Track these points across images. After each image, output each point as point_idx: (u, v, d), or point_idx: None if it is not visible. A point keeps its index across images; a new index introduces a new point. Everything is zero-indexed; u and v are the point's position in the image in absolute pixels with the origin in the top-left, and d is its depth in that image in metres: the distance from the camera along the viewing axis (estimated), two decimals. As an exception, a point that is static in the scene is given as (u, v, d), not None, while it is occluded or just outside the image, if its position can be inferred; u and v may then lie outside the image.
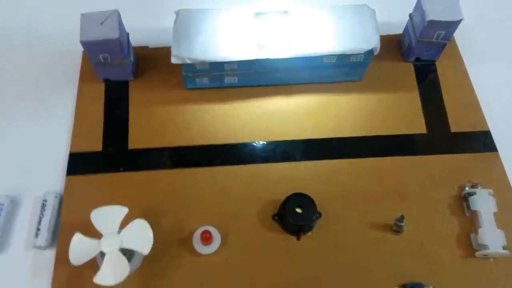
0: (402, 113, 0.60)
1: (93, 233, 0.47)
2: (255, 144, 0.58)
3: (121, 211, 0.48)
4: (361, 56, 0.58)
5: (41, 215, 0.52)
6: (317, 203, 0.52)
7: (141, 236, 0.46)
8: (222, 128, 0.59)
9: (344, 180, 0.55)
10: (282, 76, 0.60)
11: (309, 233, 0.52)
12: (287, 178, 0.55)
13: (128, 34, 0.61)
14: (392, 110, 0.60)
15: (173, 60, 0.55)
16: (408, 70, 0.64)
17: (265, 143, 0.58)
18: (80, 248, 0.46)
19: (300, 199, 0.51)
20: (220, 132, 0.59)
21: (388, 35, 0.66)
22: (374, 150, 0.57)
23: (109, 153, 0.57)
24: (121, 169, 0.56)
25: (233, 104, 0.61)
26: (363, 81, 0.62)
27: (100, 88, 0.62)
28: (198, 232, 0.50)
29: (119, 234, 0.46)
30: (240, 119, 0.60)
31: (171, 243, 0.51)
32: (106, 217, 0.47)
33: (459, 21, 0.57)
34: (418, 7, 0.59)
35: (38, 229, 0.52)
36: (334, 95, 0.61)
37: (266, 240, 0.52)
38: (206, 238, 0.49)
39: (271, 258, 0.51)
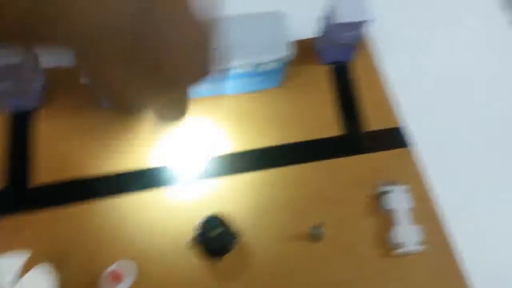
0: (318, 117, 0.61)
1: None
2: (169, 166, 0.56)
3: (21, 258, 0.45)
4: (275, 64, 0.58)
5: None
6: (237, 220, 0.51)
7: (42, 285, 0.44)
8: (135, 152, 0.57)
9: (265, 192, 0.55)
10: (198, 90, 0.59)
11: (229, 254, 0.51)
12: (205, 198, 0.54)
13: (36, 55, 0.57)
14: (309, 114, 0.61)
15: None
16: (323, 73, 0.64)
17: (179, 163, 0.57)
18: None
19: (217, 220, 0.51)
20: (133, 157, 0.56)
21: (304, 39, 0.66)
22: (292, 158, 0.57)
23: (11, 192, 0.53)
24: (23, 209, 0.52)
25: (150, 127, 0.59)
26: (279, 87, 0.62)
27: (3, 120, 0.57)
28: (107, 272, 0.48)
29: (18, 284, 0.43)
30: (156, 141, 0.58)
31: (81, 285, 0.48)
32: (4, 266, 0.44)
33: (368, 21, 0.57)
34: (327, 10, 0.59)
35: None
36: (251, 105, 0.61)
37: (186, 267, 0.50)
38: (115, 278, 0.47)
39: (192, 285, 0.50)
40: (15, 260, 0.44)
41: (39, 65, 0.58)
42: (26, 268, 0.45)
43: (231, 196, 0.55)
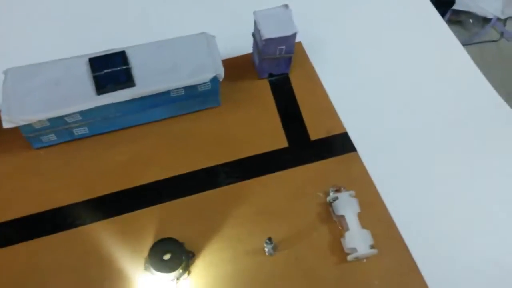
0: (263, 131, 0.60)
1: None
2: (115, 194, 0.55)
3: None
4: (208, 84, 0.57)
5: None
6: (188, 242, 0.50)
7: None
8: (77, 185, 0.55)
9: (212, 212, 0.54)
10: (135, 117, 0.58)
11: (186, 275, 0.50)
12: (154, 223, 0.53)
13: None
14: (254, 129, 0.60)
15: (5, 125, 0.51)
16: (263, 86, 0.64)
17: (125, 190, 0.55)
18: None
19: (166, 244, 0.49)
20: (75, 189, 0.55)
21: (241, 55, 0.66)
22: (239, 174, 0.57)
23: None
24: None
25: (87, 156, 0.57)
26: (222, 105, 0.62)
27: None
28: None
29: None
30: (96, 170, 0.56)
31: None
32: None
33: (294, 35, 0.58)
34: (256, 27, 0.60)
35: None
36: (193, 125, 0.60)
37: (140, 294, 0.49)
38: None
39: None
40: None
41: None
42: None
43: (181, 219, 0.53)
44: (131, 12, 0.72)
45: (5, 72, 0.54)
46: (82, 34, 0.69)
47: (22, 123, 0.52)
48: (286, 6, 0.60)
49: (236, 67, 0.62)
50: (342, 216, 0.53)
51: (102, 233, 0.52)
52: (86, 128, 0.57)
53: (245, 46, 0.66)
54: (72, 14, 0.71)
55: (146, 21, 0.71)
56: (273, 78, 0.65)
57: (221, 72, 0.56)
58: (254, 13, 0.59)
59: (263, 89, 0.64)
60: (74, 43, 0.66)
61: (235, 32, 0.65)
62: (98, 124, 0.57)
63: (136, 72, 0.55)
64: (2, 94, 0.52)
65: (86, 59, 0.55)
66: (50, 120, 0.53)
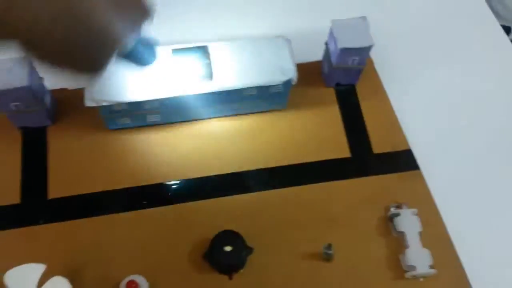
0: (326, 138, 0.61)
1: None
2: (180, 183, 0.57)
3: (38, 270, 0.45)
4: (280, 87, 0.58)
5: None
6: (247, 237, 0.51)
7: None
8: (146, 168, 0.57)
9: (274, 211, 0.55)
10: (205, 111, 0.60)
11: (241, 270, 0.51)
12: (215, 215, 0.54)
13: (42, 78, 0.59)
14: (316, 136, 0.61)
15: (88, 103, 0.54)
16: (329, 95, 0.65)
17: (190, 180, 0.57)
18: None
19: (229, 236, 0.50)
20: (144, 173, 0.57)
21: (310, 62, 0.67)
22: (300, 178, 0.57)
23: (27, 205, 0.54)
24: (41, 221, 0.53)
25: (157, 143, 0.59)
26: (286, 109, 0.63)
27: (17, 136, 0.59)
28: (123, 284, 0.48)
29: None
30: (164, 157, 0.58)
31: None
32: (21, 278, 0.44)
33: (370, 47, 0.59)
34: (331, 35, 0.61)
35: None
36: (258, 125, 0.61)
37: (197, 283, 0.50)
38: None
39: (202, 302, 0.49)
40: (33, 271, 0.44)
41: (45, 87, 0.59)
42: (42, 280, 0.44)
43: (243, 214, 0.54)
44: (212, 10, 0.74)
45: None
46: (165, 26, 0.70)
47: (103, 103, 0.54)
48: (364, 18, 0.61)
49: (304, 73, 0.62)
50: (403, 233, 0.53)
51: (165, 218, 0.54)
52: (159, 116, 0.59)
53: (314, 53, 0.67)
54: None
55: (224, 20, 0.73)
56: (340, 88, 0.65)
57: (294, 76, 0.57)
58: (332, 21, 0.60)
59: (328, 98, 0.65)
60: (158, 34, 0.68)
61: (306, 39, 0.66)
62: (171, 113, 0.59)
63: (215, 68, 0.56)
64: (87, 74, 0.55)
65: (170, 50, 0.57)
66: (129, 104, 0.55)
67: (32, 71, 0.55)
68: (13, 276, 0.44)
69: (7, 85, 0.53)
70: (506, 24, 1.44)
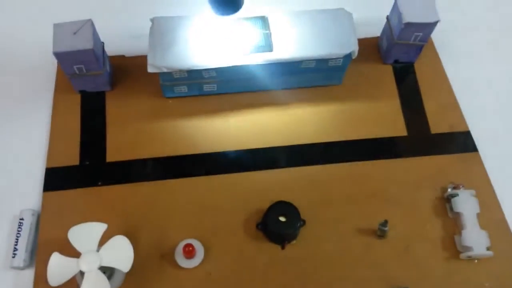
0: (382, 116, 0.60)
1: (72, 251, 0.45)
2: (236, 153, 0.57)
3: (100, 228, 0.46)
4: (340, 60, 0.57)
5: (18, 234, 0.51)
6: (300, 210, 0.51)
7: (121, 254, 0.45)
8: (202, 137, 0.58)
9: (327, 186, 0.55)
10: (262, 82, 0.60)
11: (294, 241, 0.52)
12: (270, 186, 0.55)
13: (103, 43, 0.60)
14: (372, 113, 0.60)
15: (150, 69, 0.54)
16: (387, 72, 0.64)
17: (246, 151, 0.57)
18: (58, 268, 0.44)
19: (283, 207, 0.51)
20: (200, 142, 0.58)
21: (367, 38, 0.66)
22: (355, 154, 0.57)
23: (86, 167, 0.56)
24: (100, 183, 0.55)
25: (212, 113, 0.60)
26: (342, 85, 0.62)
27: (76, 100, 0.61)
28: (180, 246, 0.49)
29: (98, 252, 0.45)
30: (220, 127, 0.59)
31: (153, 258, 0.50)
32: (84, 235, 0.46)
33: (435, 23, 0.57)
34: (395, 9, 0.59)
35: (15, 249, 0.50)
36: (314, 100, 0.61)
37: (250, 250, 0.51)
38: (189, 251, 0.48)
39: (256, 269, 0.50)
40: (96, 229, 0.46)
41: (106, 52, 0.60)
42: (103, 238, 0.46)
43: (298, 187, 0.55)
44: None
45: (152, 20, 0.57)
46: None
47: (164, 70, 0.54)
48: (429, -7, 0.59)
49: (362, 49, 0.61)
50: (460, 213, 0.52)
51: (221, 186, 0.55)
52: (215, 85, 0.59)
53: (371, 29, 0.66)
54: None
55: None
56: (398, 65, 0.64)
57: (355, 49, 0.56)
58: (397, -5, 0.58)
59: (385, 75, 0.64)
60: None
61: (363, 13, 0.64)
62: (227, 83, 0.59)
63: (275, 39, 0.56)
64: (149, 40, 0.55)
65: (229, 19, 0.57)
66: (189, 72, 0.55)
67: (95, 36, 0.56)
68: (76, 232, 0.46)
69: (72, 47, 0.54)
70: None
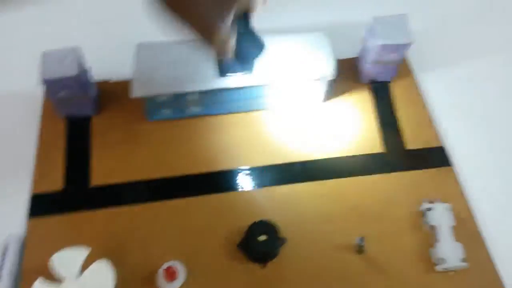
0: (361, 134, 0.62)
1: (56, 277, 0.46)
2: (217, 174, 0.58)
3: (82, 252, 0.47)
4: (318, 82, 0.60)
5: (2, 261, 0.51)
6: (281, 228, 0.53)
7: (103, 279, 0.46)
8: (184, 159, 0.59)
9: (307, 204, 0.57)
10: (244, 103, 0.62)
11: (274, 260, 0.53)
12: (250, 205, 0.56)
13: (88, 69, 0.61)
14: (351, 131, 0.62)
15: (134, 94, 0.56)
16: (364, 91, 0.66)
17: (227, 171, 0.59)
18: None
19: (264, 226, 0.52)
20: (182, 164, 0.59)
21: (346, 59, 0.68)
22: (334, 172, 0.59)
23: (71, 192, 0.57)
24: (84, 208, 0.56)
25: (196, 134, 0.61)
26: (322, 104, 0.64)
27: (62, 125, 0.62)
28: (162, 269, 0.50)
29: (79, 277, 0.46)
30: (202, 148, 0.60)
31: (136, 281, 0.51)
32: (67, 260, 0.47)
33: (408, 44, 0.59)
34: (370, 31, 0.61)
35: (-1, 277, 0.51)
36: (295, 118, 0.63)
37: (232, 270, 0.52)
38: (170, 274, 0.49)
39: (238, 289, 0.51)
40: (78, 254, 0.47)
41: (92, 78, 0.62)
42: (86, 263, 0.47)
43: (277, 205, 0.56)
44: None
45: (138, 46, 0.59)
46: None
47: (149, 94, 0.56)
48: (404, 15, 0.61)
49: (340, 69, 0.63)
50: (435, 226, 0.54)
51: (202, 207, 0.56)
52: (199, 107, 0.61)
53: (349, 50, 0.68)
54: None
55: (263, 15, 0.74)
56: (375, 84, 0.66)
57: (333, 72, 0.59)
58: (374, 18, 0.61)
59: (364, 93, 0.66)
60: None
61: (342, 35, 0.67)
62: (210, 106, 0.61)
63: (256, 62, 0.58)
64: (134, 66, 0.57)
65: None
66: (174, 96, 0.57)
67: (82, 62, 0.58)
68: (59, 258, 0.47)
69: (59, 73, 0.56)
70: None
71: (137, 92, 0.56)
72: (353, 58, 0.68)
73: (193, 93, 0.57)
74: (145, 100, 0.58)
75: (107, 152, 0.60)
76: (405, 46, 0.60)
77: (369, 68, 0.64)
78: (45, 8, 0.74)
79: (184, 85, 0.56)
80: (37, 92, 0.64)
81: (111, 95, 0.64)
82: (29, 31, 0.71)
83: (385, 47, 0.59)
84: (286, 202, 0.57)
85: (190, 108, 0.61)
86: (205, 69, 0.57)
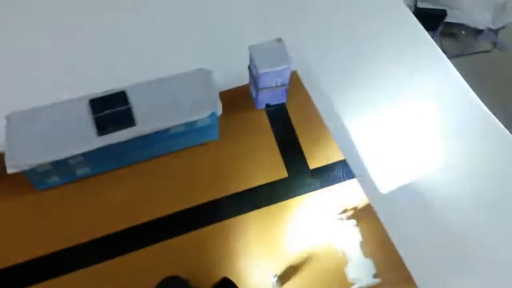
0: (262, 162, 0.61)
1: None
2: (119, 233, 0.55)
3: None
4: (206, 120, 0.58)
5: None
6: (194, 277, 0.50)
7: None
8: (80, 225, 0.56)
9: (218, 246, 0.55)
10: (135, 154, 0.59)
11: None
12: (155, 262, 0.53)
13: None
14: (253, 161, 0.61)
15: (9, 170, 0.52)
16: (261, 117, 0.65)
17: (129, 228, 0.56)
18: None
19: (172, 283, 0.49)
20: (78, 230, 0.55)
21: (238, 87, 0.67)
22: (241, 207, 0.57)
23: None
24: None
25: (88, 196, 0.58)
26: (220, 138, 0.63)
27: None
28: None
29: None
30: (98, 210, 0.57)
31: None
32: None
33: (288, 68, 0.59)
34: (251, 61, 0.61)
35: None
36: (192, 160, 0.61)
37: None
38: None
39: None
40: None
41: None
42: None
43: (184, 256, 0.54)
44: (129, 50, 0.74)
45: (8, 117, 0.55)
46: (81, 74, 0.70)
47: (25, 167, 0.52)
48: (279, 39, 0.61)
49: (234, 99, 0.63)
50: (344, 246, 0.53)
51: (101, 276, 0.53)
52: (88, 168, 0.58)
53: (242, 77, 0.67)
54: (71, 54, 0.73)
55: (144, 58, 0.72)
56: (270, 108, 0.66)
57: (218, 107, 0.57)
58: (249, 47, 0.60)
59: (260, 120, 0.65)
60: (74, 83, 0.67)
61: (231, 64, 0.66)
62: (99, 164, 0.58)
63: (136, 111, 0.56)
64: (5, 139, 0.53)
65: (87, 101, 0.56)
66: (52, 163, 0.54)
67: None
68: None
69: None
70: (440, 8, 1.49)
71: (11, 167, 0.52)
72: (242, 86, 0.67)
73: (75, 156, 0.54)
74: (25, 173, 0.54)
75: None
76: (285, 70, 0.59)
77: (259, 95, 0.63)
78: None
79: (62, 150, 0.53)
80: None
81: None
82: None
83: (266, 75, 0.59)
84: (193, 250, 0.54)
85: (79, 170, 0.57)
86: (82, 129, 0.54)
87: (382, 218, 0.57)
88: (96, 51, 0.73)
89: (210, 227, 0.56)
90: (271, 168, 0.61)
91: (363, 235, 0.54)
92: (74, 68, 0.71)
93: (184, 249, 0.55)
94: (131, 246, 0.54)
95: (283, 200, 0.58)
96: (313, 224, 0.56)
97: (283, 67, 0.59)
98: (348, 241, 0.53)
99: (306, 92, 0.68)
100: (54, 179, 0.57)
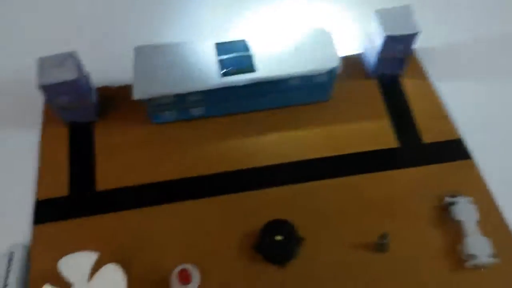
0: (372, 129, 0.60)
1: (65, 282, 0.43)
2: (227, 174, 0.56)
3: (91, 257, 0.45)
4: (324, 76, 0.57)
5: (8, 269, 0.49)
6: (298, 228, 0.50)
7: (113, 283, 0.44)
8: (191, 161, 0.57)
9: (323, 202, 0.54)
10: (249, 103, 0.60)
11: (293, 260, 0.50)
12: (264, 205, 0.53)
13: (88, 74, 0.59)
14: (362, 126, 0.60)
15: (135, 96, 0.54)
16: (373, 86, 0.64)
17: (237, 171, 0.56)
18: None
19: (279, 226, 0.49)
20: (189, 165, 0.57)
21: (350, 56, 0.66)
22: (348, 169, 0.56)
23: (76, 197, 0.55)
24: (90, 212, 0.53)
25: (201, 136, 0.59)
26: (330, 101, 0.62)
27: (64, 131, 0.60)
28: (175, 272, 0.47)
29: (89, 282, 0.43)
30: (208, 150, 0.58)
31: (147, 286, 0.48)
32: (75, 265, 0.45)
33: (416, 34, 0.57)
34: (375, 24, 0.60)
35: (5, 285, 0.48)
36: (302, 118, 0.61)
37: (248, 272, 0.49)
38: (184, 277, 0.46)
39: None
40: (86, 259, 0.44)
41: (92, 83, 0.60)
42: (95, 267, 0.45)
43: (293, 204, 0.53)
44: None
45: (136, 49, 0.57)
46: (207, 22, 0.71)
47: (150, 96, 0.54)
48: (407, 6, 0.60)
49: (345, 66, 0.62)
50: (461, 222, 0.50)
51: (214, 208, 0.53)
52: (203, 109, 0.59)
53: (356, 46, 0.66)
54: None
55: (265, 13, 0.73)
56: (384, 79, 0.64)
57: (338, 64, 0.57)
58: (376, 11, 0.59)
59: (372, 89, 0.64)
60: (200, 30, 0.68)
61: (348, 31, 0.65)
62: (214, 106, 0.59)
63: (257, 59, 0.56)
64: (133, 68, 0.55)
65: (212, 44, 0.57)
66: (175, 96, 0.55)
67: (80, 67, 0.56)
68: (67, 263, 0.45)
69: (56, 79, 0.54)
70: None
71: (138, 94, 0.54)
72: (356, 55, 0.66)
73: (195, 93, 0.55)
74: (147, 103, 0.56)
75: (111, 157, 0.58)
76: (412, 36, 0.58)
77: (376, 62, 0.62)
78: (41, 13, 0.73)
79: (186, 85, 0.55)
80: (40, 98, 0.62)
81: (113, 100, 0.62)
82: (26, 35, 0.70)
83: (390, 39, 0.57)
84: (301, 201, 0.54)
85: (194, 110, 0.59)
86: (206, 68, 0.55)
87: (499, 202, 0.53)
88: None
89: (318, 183, 0.55)
90: (380, 136, 0.59)
91: (478, 215, 0.51)
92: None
93: (290, 199, 0.54)
94: (240, 187, 0.55)
95: (394, 169, 0.56)
96: (424, 196, 0.54)
97: (410, 32, 0.57)
98: (466, 217, 0.50)
99: (423, 67, 0.66)
100: (171, 114, 0.59)
